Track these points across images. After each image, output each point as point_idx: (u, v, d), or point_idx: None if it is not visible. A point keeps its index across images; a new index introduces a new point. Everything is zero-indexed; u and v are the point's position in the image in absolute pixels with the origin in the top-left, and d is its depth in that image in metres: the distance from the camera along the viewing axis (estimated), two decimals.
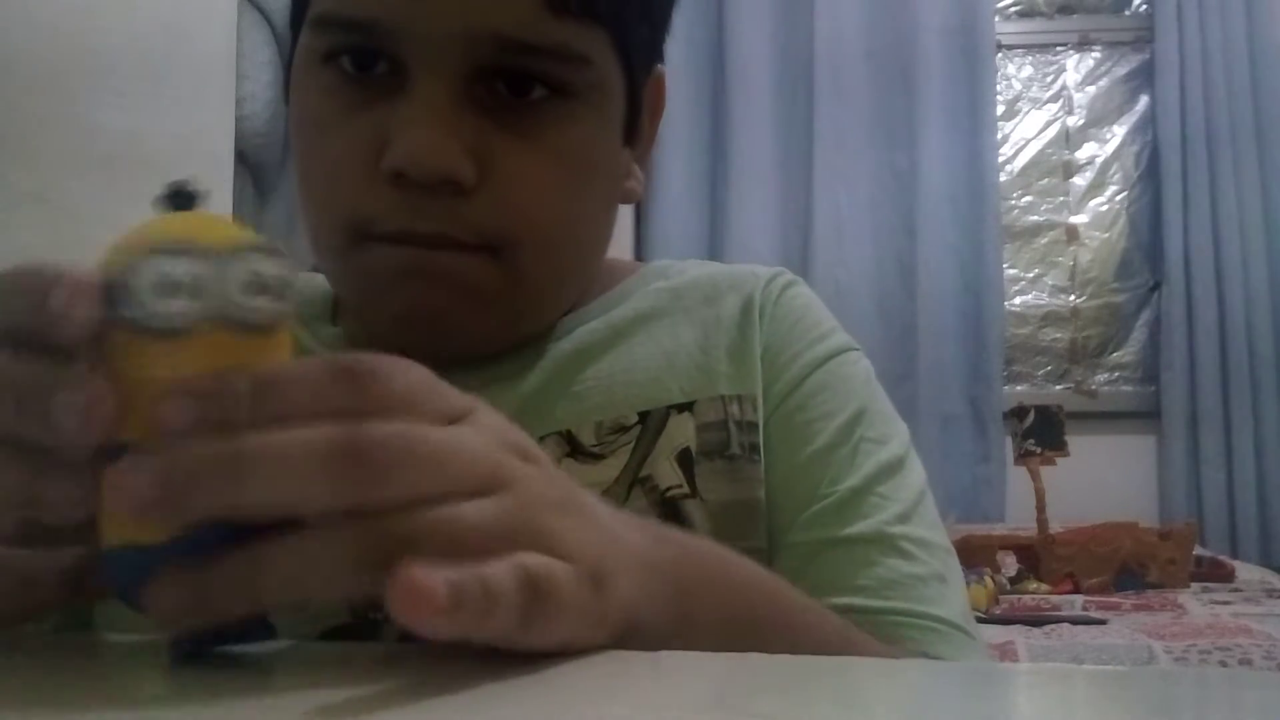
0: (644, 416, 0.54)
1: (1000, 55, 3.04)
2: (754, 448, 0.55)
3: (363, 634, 0.48)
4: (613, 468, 0.53)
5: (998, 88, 2.97)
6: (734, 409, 0.55)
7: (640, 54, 0.55)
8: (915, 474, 0.58)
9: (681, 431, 0.54)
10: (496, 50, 0.49)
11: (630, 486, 0.52)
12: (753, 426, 0.55)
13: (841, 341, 0.61)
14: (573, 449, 0.53)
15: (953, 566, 0.56)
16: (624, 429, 0.54)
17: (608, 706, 0.29)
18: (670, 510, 0.52)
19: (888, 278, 2.88)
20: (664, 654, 0.34)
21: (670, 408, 0.55)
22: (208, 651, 0.31)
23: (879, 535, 0.53)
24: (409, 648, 0.37)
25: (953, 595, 0.54)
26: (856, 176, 2.89)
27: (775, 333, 0.59)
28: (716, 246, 2.87)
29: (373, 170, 0.49)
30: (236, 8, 2.03)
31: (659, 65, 0.59)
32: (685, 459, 0.53)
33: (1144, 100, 3.01)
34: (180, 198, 0.31)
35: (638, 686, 0.32)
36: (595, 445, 0.53)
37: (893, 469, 0.56)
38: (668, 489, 0.53)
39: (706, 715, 0.28)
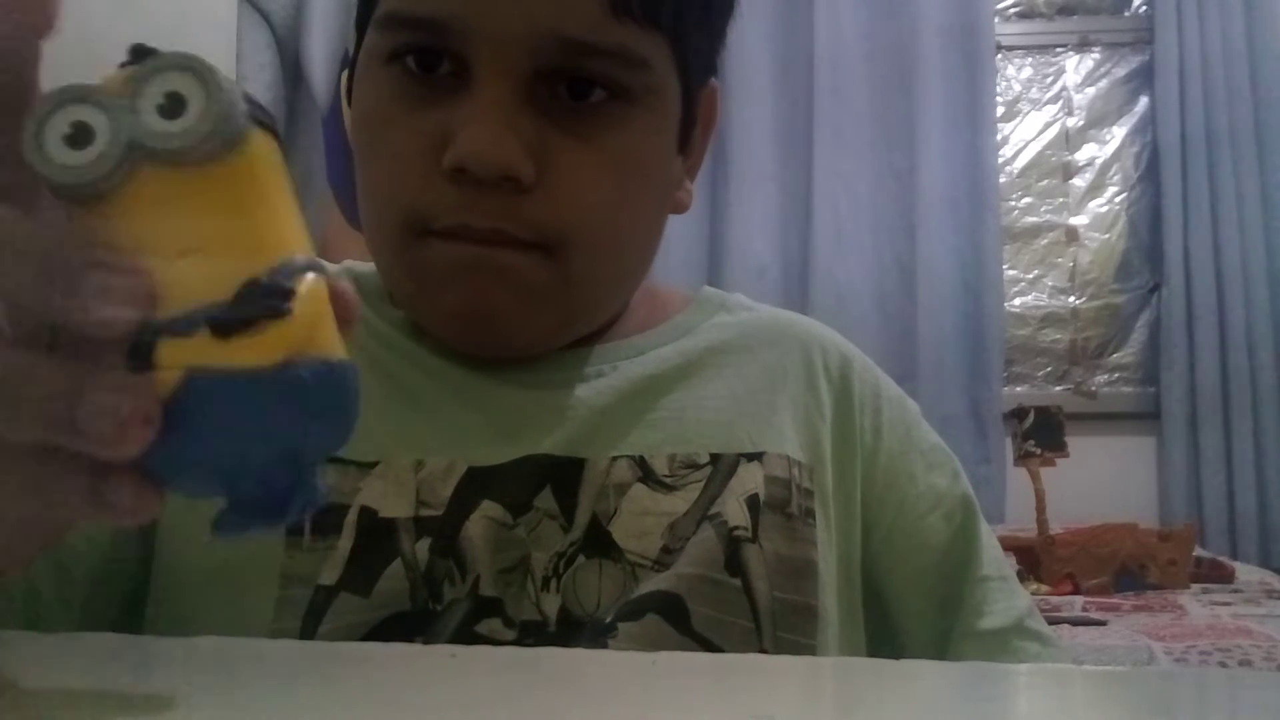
0: (715, 458, 0.55)
1: (1000, 56, 3.04)
2: (809, 512, 0.56)
3: (420, 622, 0.49)
4: (684, 500, 0.54)
5: (997, 89, 2.97)
6: (796, 472, 0.57)
7: (697, 62, 0.56)
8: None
9: (752, 479, 0.55)
10: (558, 51, 0.50)
11: (700, 521, 0.53)
12: (809, 493, 0.57)
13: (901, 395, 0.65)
14: (645, 475, 0.54)
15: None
16: (696, 466, 0.55)
17: (607, 706, 0.29)
18: (734, 547, 0.53)
19: (887, 278, 2.88)
20: (663, 654, 0.34)
21: (741, 455, 0.56)
22: (257, 524, 0.29)
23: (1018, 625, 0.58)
24: (409, 648, 0.37)
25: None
26: (856, 177, 2.89)
27: (845, 404, 0.61)
28: (716, 247, 2.87)
29: (434, 167, 0.50)
30: (236, 9, 2.03)
31: (713, 78, 0.60)
32: (753, 503, 0.54)
33: (1144, 101, 3.01)
34: (139, 54, 0.29)
35: (637, 687, 0.32)
36: (668, 476, 0.54)
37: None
38: (735, 528, 0.53)
39: (706, 715, 0.28)
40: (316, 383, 0.28)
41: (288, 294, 0.28)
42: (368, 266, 0.62)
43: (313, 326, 0.28)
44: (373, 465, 0.52)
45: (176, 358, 0.27)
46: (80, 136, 0.27)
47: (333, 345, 0.29)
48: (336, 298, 0.29)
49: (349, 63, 0.59)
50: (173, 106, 0.28)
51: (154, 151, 0.27)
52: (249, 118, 0.28)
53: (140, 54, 0.29)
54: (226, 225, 0.28)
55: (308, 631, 0.48)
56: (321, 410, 0.29)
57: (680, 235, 2.82)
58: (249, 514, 0.29)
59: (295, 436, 0.29)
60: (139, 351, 0.27)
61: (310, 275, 0.29)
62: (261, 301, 0.27)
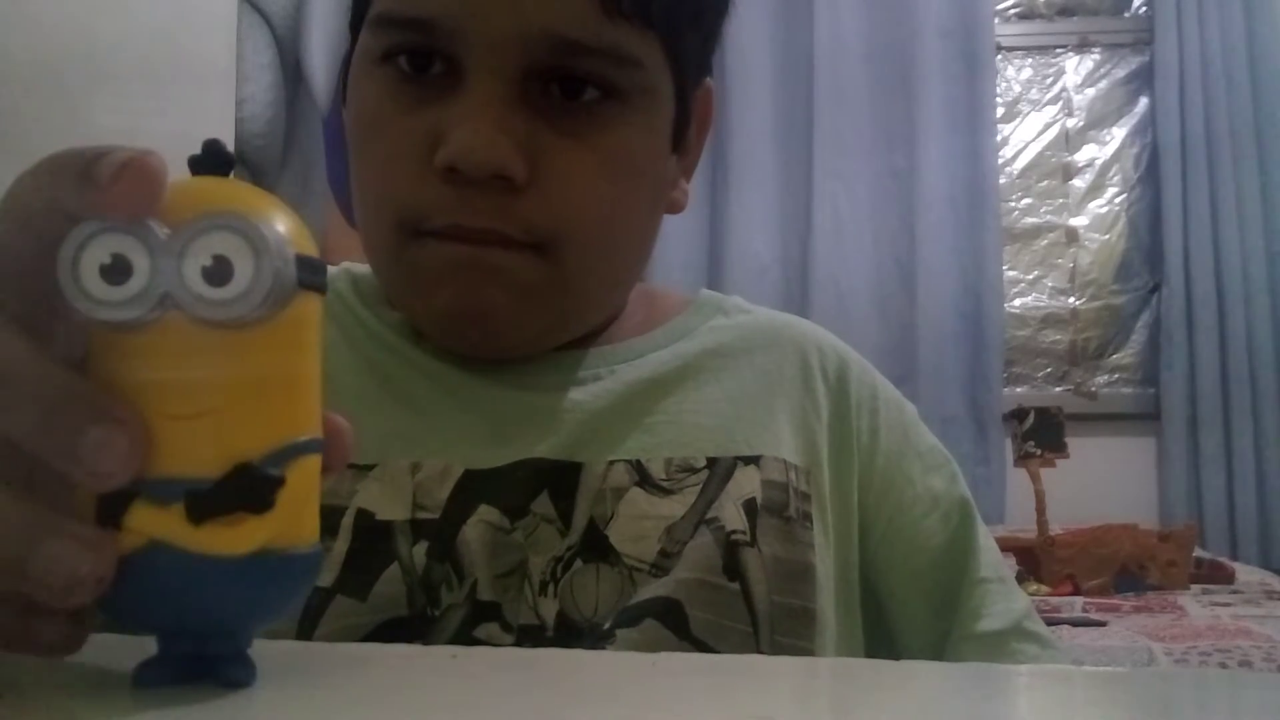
0: (712, 462, 0.55)
1: (1000, 57, 3.04)
2: (806, 516, 0.56)
3: (418, 628, 0.49)
4: (681, 504, 0.54)
5: (997, 90, 2.97)
6: (793, 476, 0.57)
7: (690, 62, 0.56)
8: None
9: (749, 482, 0.55)
10: (550, 50, 0.50)
11: (697, 525, 0.53)
12: (806, 496, 0.57)
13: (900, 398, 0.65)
14: (641, 479, 0.54)
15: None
16: (692, 470, 0.55)
17: (606, 707, 0.29)
18: (732, 552, 0.53)
19: (887, 280, 2.88)
20: (663, 655, 0.34)
21: (737, 458, 0.56)
22: (181, 680, 0.28)
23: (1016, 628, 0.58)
24: (408, 649, 0.37)
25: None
26: (856, 179, 2.89)
27: (842, 407, 0.61)
28: (716, 249, 2.87)
29: (426, 166, 0.50)
30: (236, 10, 2.03)
31: (708, 78, 0.60)
32: (750, 508, 0.54)
33: (1143, 102, 3.01)
34: (208, 160, 0.28)
35: (636, 687, 0.32)
36: (665, 480, 0.54)
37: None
38: (732, 532, 0.53)
39: (705, 716, 0.28)
40: (280, 574, 0.28)
41: (275, 486, 0.27)
42: (366, 268, 0.62)
43: (293, 518, 0.28)
44: (370, 467, 0.52)
45: (146, 524, 0.26)
46: (118, 270, 0.26)
47: (307, 531, 0.29)
48: (331, 448, 0.29)
49: (344, 65, 0.59)
50: (219, 270, 0.26)
51: (190, 310, 0.26)
52: (295, 282, 0.27)
53: (209, 159, 0.28)
54: (242, 393, 0.27)
55: (304, 635, 0.48)
56: (278, 598, 0.29)
57: (680, 236, 2.82)
58: (176, 670, 0.28)
59: (242, 616, 0.29)
60: (111, 508, 0.26)
61: (307, 458, 0.28)
62: (246, 492, 0.27)
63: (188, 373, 0.27)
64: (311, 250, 0.28)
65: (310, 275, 0.28)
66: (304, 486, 0.28)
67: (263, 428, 0.27)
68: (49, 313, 0.27)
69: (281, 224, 0.27)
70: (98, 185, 0.26)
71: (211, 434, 0.27)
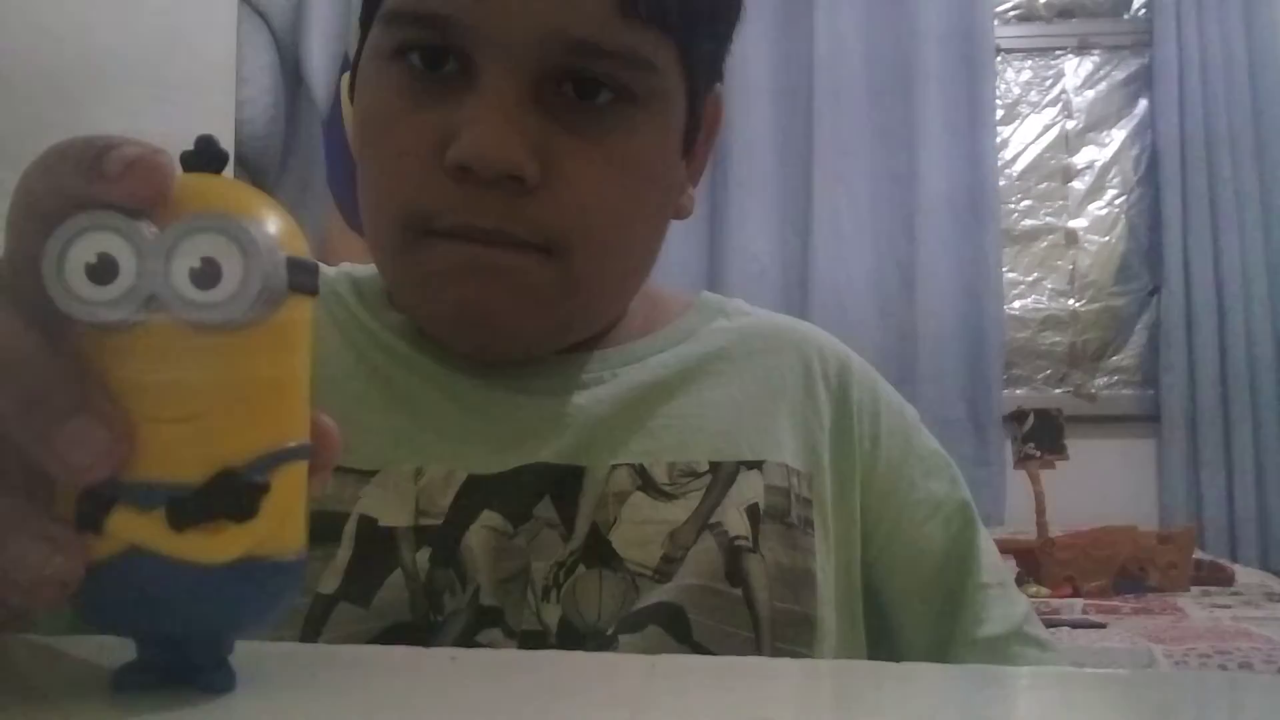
0: (714, 466, 0.55)
1: (999, 59, 3.04)
2: (808, 522, 0.56)
3: (421, 633, 0.49)
4: (684, 509, 0.53)
5: (997, 92, 2.97)
6: (795, 481, 0.57)
7: (703, 67, 0.56)
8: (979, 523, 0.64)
9: (751, 488, 0.55)
10: (565, 51, 0.50)
11: (700, 530, 0.53)
12: (808, 502, 0.57)
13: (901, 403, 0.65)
14: (644, 483, 0.54)
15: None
16: (695, 474, 0.55)
17: (606, 709, 0.29)
18: (735, 557, 0.53)
19: (887, 281, 2.88)
20: (662, 657, 0.34)
21: (740, 463, 0.55)
22: (159, 684, 0.28)
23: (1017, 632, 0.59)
24: (409, 652, 0.37)
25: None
26: (856, 180, 2.89)
27: (844, 411, 0.61)
28: (716, 250, 2.87)
29: (436, 165, 0.50)
30: (236, 12, 2.03)
31: (718, 85, 0.60)
32: (753, 513, 0.54)
33: (1143, 104, 3.01)
34: (201, 157, 0.27)
35: (636, 689, 0.32)
36: (668, 484, 0.54)
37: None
38: (735, 537, 0.53)
39: (705, 718, 0.28)
40: (263, 582, 0.27)
41: (259, 493, 0.26)
42: (367, 269, 0.61)
43: (278, 525, 0.27)
44: (372, 473, 0.52)
45: (125, 529, 0.26)
46: (104, 270, 0.25)
47: (291, 539, 0.28)
48: (319, 451, 0.28)
49: (349, 65, 0.59)
50: (207, 272, 0.25)
51: (176, 312, 0.26)
52: (286, 285, 0.26)
53: (203, 154, 0.27)
54: (228, 397, 0.26)
55: (307, 641, 0.48)
56: (258, 607, 0.28)
57: (680, 238, 2.82)
58: (154, 675, 0.28)
59: (222, 624, 0.28)
60: (90, 510, 0.26)
61: (293, 465, 0.27)
62: (229, 500, 0.26)
63: (173, 375, 0.26)
64: (302, 251, 0.27)
65: (301, 277, 0.27)
66: (289, 494, 0.27)
67: (248, 433, 0.27)
68: (38, 302, 0.27)
69: (273, 225, 0.27)
70: (106, 177, 0.26)
71: (196, 439, 0.26)
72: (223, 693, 0.28)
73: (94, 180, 0.26)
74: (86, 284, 0.25)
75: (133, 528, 0.26)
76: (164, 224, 0.26)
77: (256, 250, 0.26)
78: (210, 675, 0.28)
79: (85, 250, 0.25)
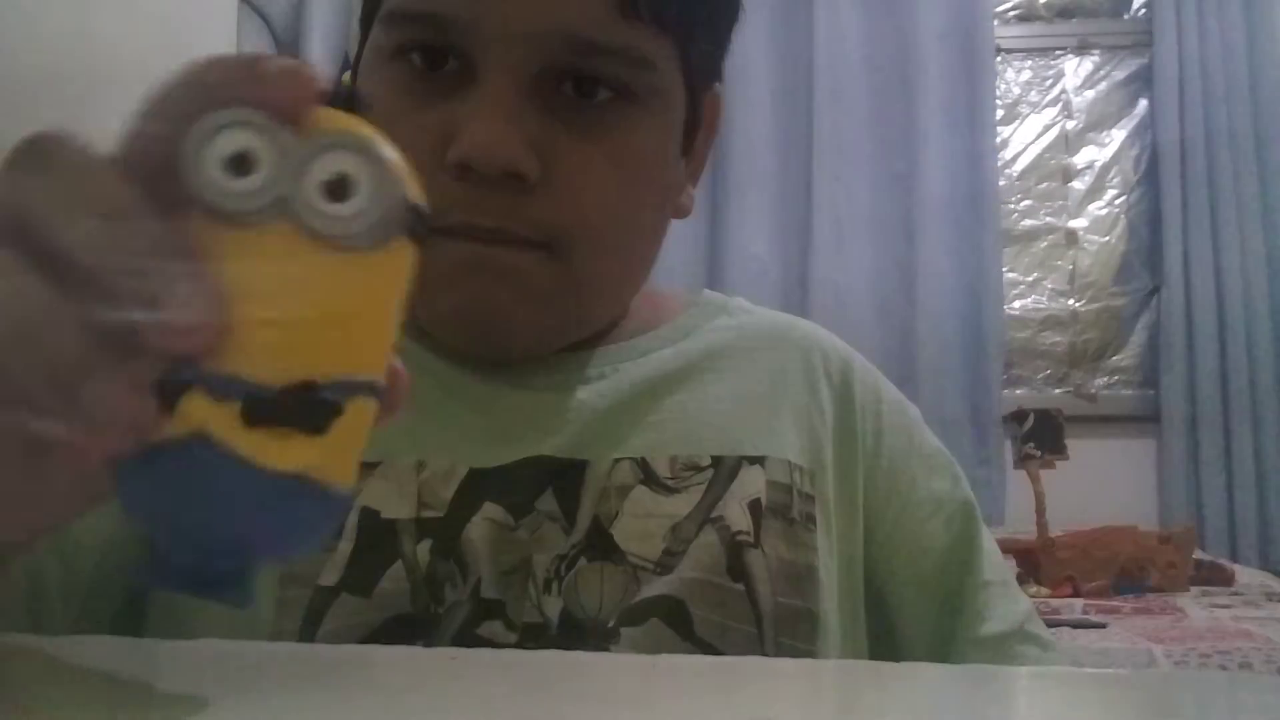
0: (717, 461, 0.55)
1: (999, 59, 3.04)
2: (810, 517, 0.56)
3: (422, 625, 0.49)
4: (686, 503, 0.53)
5: (997, 92, 2.97)
6: (797, 477, 0.57)
7: (701, 66, 0.56)
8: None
9: (754, 483, 0.55)
10: (565, 49, 0.50)
11: (702, 524, 0.53)
12: (810, 498, 0.57)
13: (903, 401, 0.65)
14: (646, 477, 0.54)
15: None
16: (698, 468, 0.55)
17: (607, 709, 0.29)
18: (736, 552, 0.53)
19: (887, 282, 2.88)
20: (663, 656, 0.34)
21: (742, 458, 0.55)
22: (175, 589, 0.28)
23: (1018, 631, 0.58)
24: (409, 651, 0.37)
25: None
26: (856, 180, 2.89)
27: (846, 409, 0.61)
28: (716, 250, 2.87)
29: (437, 164, 0.50)
30: (236, 12, 2.03)
31: (718, 84, 0.60)
32: (755, 508, 0.54)
33: (1143, 104, 3.01)
34: (342, 98, 0.28)
35: (637, 689, 0.32)
36: (670, 478, 0.54)
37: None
38: (737, 532, 0.53)
39: (707, 718, 0.28)
40: (311, 507, 0.27)
41: (333, 412, 0.27)
42: None
43: (340, 452, 0.27)
44: (374, 465, 0.52)
45: (196, 415, 0.26)
46: (242, 164, 0.26)
47: (346, 473, 0.28)
48: (389, 394, 0.29)
49: (349, 65, 0.59)
50: (338, 188, 0.26)
51: (301, 219, 0.26)
52: (406, 223, 0.27)
53: (345, 91, 0.28)
54: (325, 314, 0.27)
55: (307, 633, 0.48)
56: (297, 530, 0.28)
57: (680, 237, 2.82)
58: (172, 577, 0.28)
59: (259, 537, 0.28)
60: (166, 389, 0.26)
61: (367, 399, 0.27)
62: (305, 410, 0.26)
63: (279, 279, 0.26)
64: (421, 198, 0.28)
65: (417, 222, 0.28)
66: (357, 424, 0.27)
67: (334, 354, 0.27)
68: (159, 181, 0.27)
69: (404, 165, 0.28)
70: (260, 78, 0.26)
71: (284, 345, 0.26)
72: (240, 607, 0.28)
73: (247, 79, 0.27)
74: (221, 174, 0.26)
75: (205, 414, 0.26)
76: (304, 136, 0.27)
77: (389, 177, 0.27)
78: (231, 589, 0.28)
79: (227, 143, 0.26)
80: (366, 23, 0.56)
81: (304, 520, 0.28)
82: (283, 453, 0.26)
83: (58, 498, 0.30)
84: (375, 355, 0.28)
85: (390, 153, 0.27)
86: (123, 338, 0.26)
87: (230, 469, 0.26)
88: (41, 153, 0.27)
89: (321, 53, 2.48)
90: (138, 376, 0.26)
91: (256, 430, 0.26)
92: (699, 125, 0.59)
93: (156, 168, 0.27)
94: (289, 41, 2.46)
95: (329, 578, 0.49)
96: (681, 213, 0.60)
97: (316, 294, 0.27)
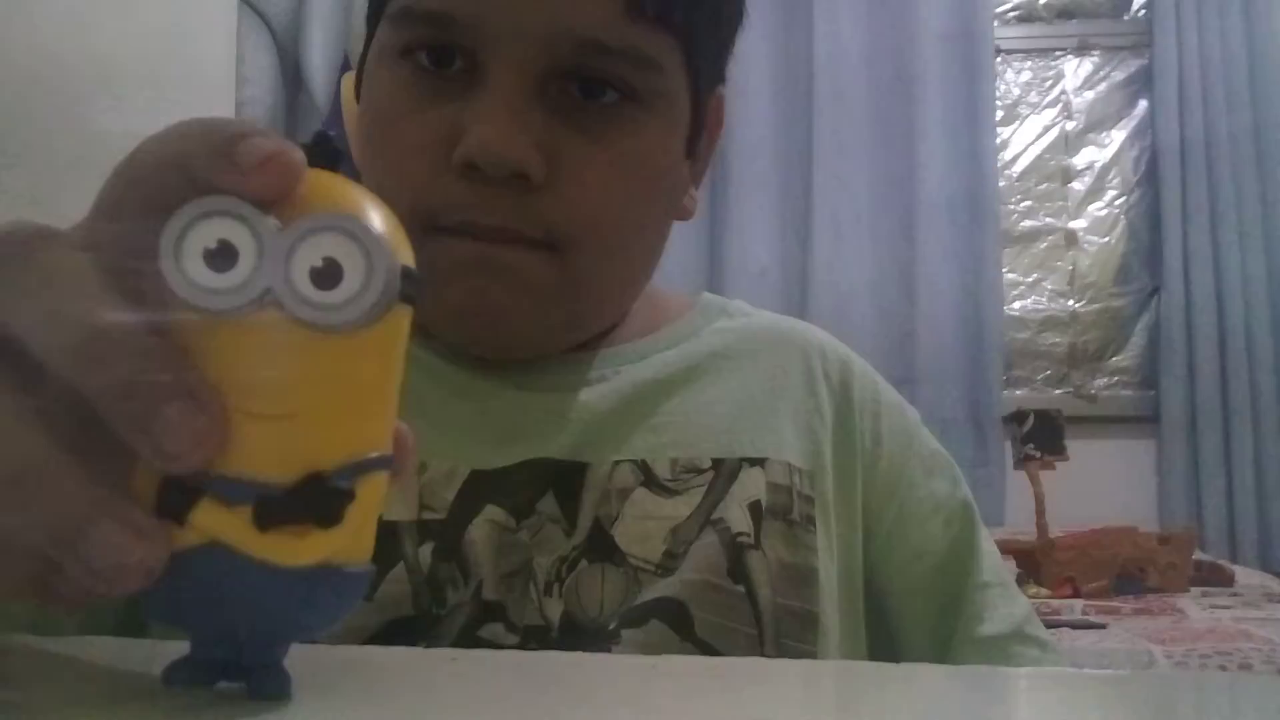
0: (717, 463, 0.55)
1: (999, 60, 3.04)
2: (810, 519, 0.56)
3: (423, 627, 0.49)
4: (686, 505, 0.54)
5: (996, 93, 2.97)
6: (797, 479, 0.57)
7: (706, 68, 0.57)
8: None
9: (754, 484, 0.55)
10: (571, 50, 0.50)
11: (702, 526, 0.53)
12: (810, 500, 0.57)
13: (903, 404, 0.65)
14: (647, 479, 0.54)
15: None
16: (698, 470, 0.55)
17: (607, 710, 0.29)
18: (737, 554, 0.53)
19: (887, 283, 2.88)
20: (663, 657, 0.34)
21: (743, 460, 0.56)
22: (211, 683, 0.28)
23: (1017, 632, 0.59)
24: (410, 652, 0.37)
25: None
26: (856, 181, 2.89)
27: (845, 411, 0.61)
28: (716, 251, 2.88)
29: (443, 162, 0.50)
30: (236, 12, 2.04)
31: (721, 86, 0.60)
32: (755, 510, 0.54)
33: (1143, 105, 3.01)
34: (318, 153, 0.26)
35: (637, 690, 0.32)
36: (670, 480, 0.54)
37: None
38: (738, 534, 0.53)
39: (706, 719, 0.28)
40: (334, 591, 0.27)
41: (346, 501, 0.26)
42: None
43: (357, 535, 0.27)
44: None
45: (209, 523, 0.25)
46: (223, 257, 0.25)
47: (364, 549, 0.28)
48: (398, 457, 0.28)
49: (349, 65, 0.59)
50: (328, 273, 0.25)
51: (290, 309, 0.25)
52: (399, 293, 0.26)
53: (320, 151, 0.26)
54: (325, 399, 0.26)
55: None
56: (324, 614, 0.28)
57: (680, 239, 2.82)
58: (207, 673, 0.27)
59: (286, 628, 0.28)
60: (174, 501, 0.25)
61: (377, 474, 0.27)
62: (317, 503, 0.26)
63: (274, 372, 0.25)
64: (411, 260, 0.27)
65: (410, 287, 0.27)
66: (371, 503, 0.27)
67: (340, 438, 0.26)
68: (138, 277, 0.26)
69: (391, 232, 0.26)
70: (239, 167, 0.25)
71: (288, 438, 0.26)
72: (277, 698, 0.27)
73: (226, 169, 0.25)
74: (204, 269, 0.25)
75: (218, 523, 0.25)
76: (286, 218, 0.25)
77: (380, 254, 0.25)
78: (267, 681, 0.27)
79: (207, 235, 0.25)
80: (373, 21, 0.56)
81: (331, 604, 0.28)
82: (300, 549, 0.26)
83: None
84: (382, 430, 0.28)
85: (378, 223, 0.26)
86: (115, 473, 0.25)
87: (251, 574, 0.25)
88: (16, 253, 0.26)
89: (321, 55, 2.48)
90: (137, 518, 0.25)
91: (271, 532, 0.25)
92: (703, 127, 0.59)
93: (134, 261, 0.25)
94: (289, 41, 2.46)
95: None
96: (684, 214, 0.61)
97: (315, 382, 0.26)
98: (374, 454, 0.27)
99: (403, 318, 0.27)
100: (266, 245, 0.25)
